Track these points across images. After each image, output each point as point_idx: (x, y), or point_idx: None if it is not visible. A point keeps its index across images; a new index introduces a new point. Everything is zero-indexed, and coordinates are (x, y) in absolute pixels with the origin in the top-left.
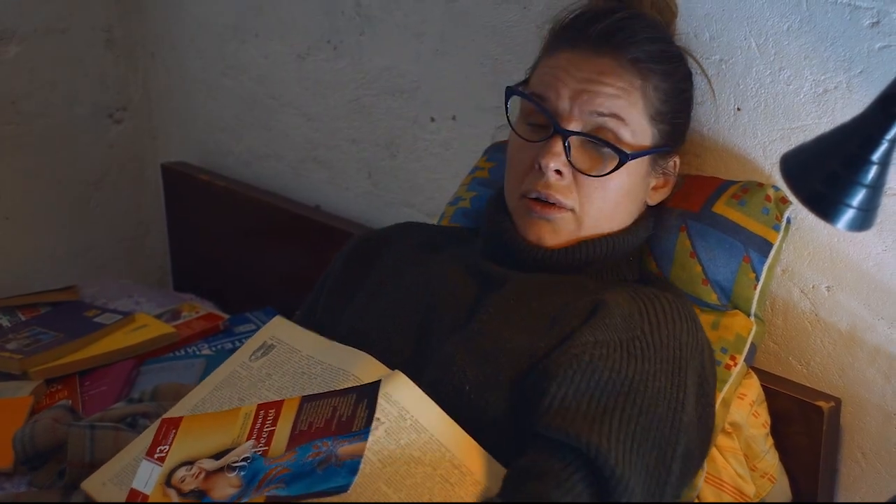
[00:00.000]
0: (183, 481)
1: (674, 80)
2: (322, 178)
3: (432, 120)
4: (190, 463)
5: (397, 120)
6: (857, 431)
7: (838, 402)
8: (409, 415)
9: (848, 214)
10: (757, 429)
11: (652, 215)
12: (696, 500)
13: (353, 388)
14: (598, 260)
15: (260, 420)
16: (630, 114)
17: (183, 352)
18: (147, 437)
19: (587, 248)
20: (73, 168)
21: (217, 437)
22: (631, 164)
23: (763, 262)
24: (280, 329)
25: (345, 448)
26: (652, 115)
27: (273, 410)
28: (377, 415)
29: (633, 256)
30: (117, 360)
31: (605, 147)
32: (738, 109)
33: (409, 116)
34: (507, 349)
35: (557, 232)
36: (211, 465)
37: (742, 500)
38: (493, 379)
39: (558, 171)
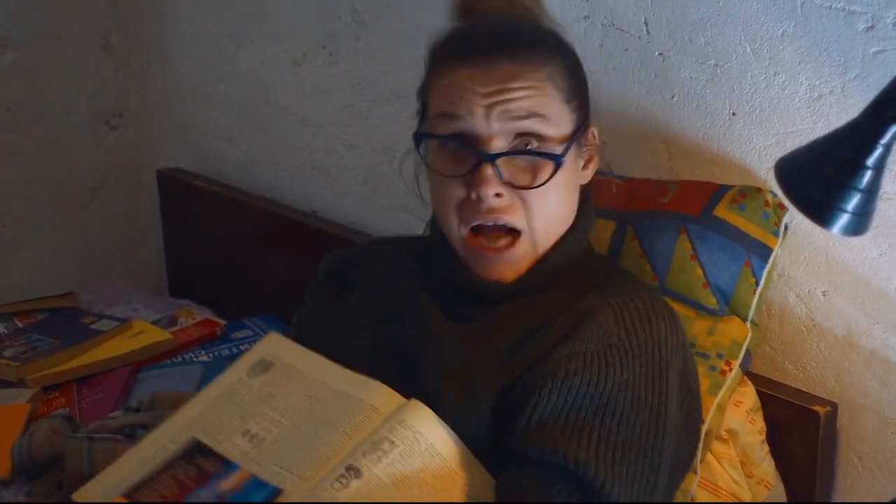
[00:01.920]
0: None
1: (568, 56)
2: (319, 184)
3: None
4: None
5: (394, 125)
6: (853, 436)
7: (834, 406)
8: (424, 438)
9: (843, 219)
10: (753, 436)
11: (587, 196)
12: None
13: (172, 457)
14: (561, 269)
15: None
16: (549, 108)
17: (180, 358)
18: (146, 447)
19: (549, 262)
20: (69, 174)
21: None
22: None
23: (763, 268)
24: (277, 346)
25: (224, 485)
26: (567, 98)
27: None
28: (391, 437)
29: (590, 247)
30: (115, 367)
31: (535, 156)
32: (733, 114)
33: (405, 122)
34: (483, 372)
35: (516, 266)
36: None
37: None
38: (472, 402)
39: (498, 194)
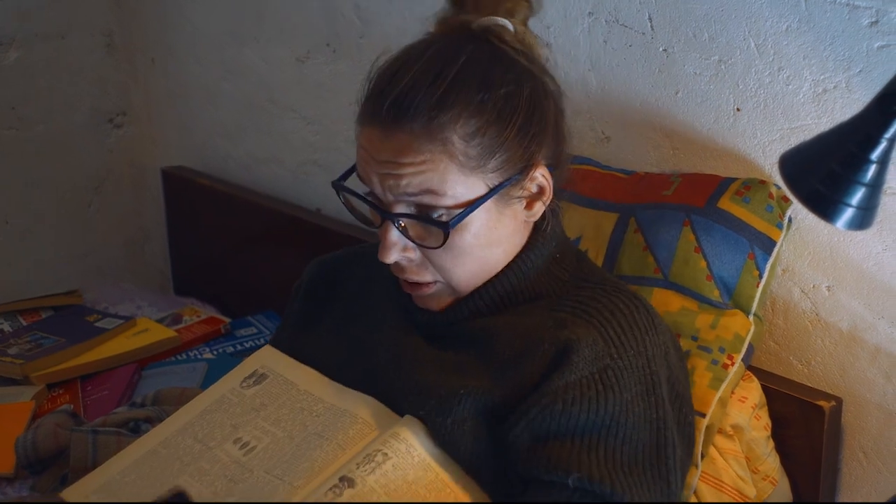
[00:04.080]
0: None
1: (483, 113)
2: (322, 182)
3: None
4: None
5: None
6: (858, 431)
7: (839, 401)
8: (418, 452)
9: (847, 213)
10: (758, 431)
11: (544, 223)
12: (696, 502)
13: None
14: (512, 292)
15: None
16: (443, 182)
17: (185, 356)
18: (134, 451)
19: (496, 287)
20: (73, 173)
21: None
22: (472, 214)
23: (766, 260)
24: (271, 359)
25: None
26: (471, 167)
27: None
28: (385, 450)
29: (554, 263)
30: (119, 365)
31: (426, 223)
32: (738, 110)
33: None
34: (462, 394)
35: (439, 300)
36: None
37: (743, 502)
38: (457, 422)
39: (405, 251)
